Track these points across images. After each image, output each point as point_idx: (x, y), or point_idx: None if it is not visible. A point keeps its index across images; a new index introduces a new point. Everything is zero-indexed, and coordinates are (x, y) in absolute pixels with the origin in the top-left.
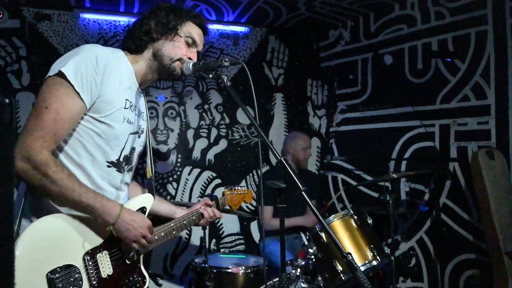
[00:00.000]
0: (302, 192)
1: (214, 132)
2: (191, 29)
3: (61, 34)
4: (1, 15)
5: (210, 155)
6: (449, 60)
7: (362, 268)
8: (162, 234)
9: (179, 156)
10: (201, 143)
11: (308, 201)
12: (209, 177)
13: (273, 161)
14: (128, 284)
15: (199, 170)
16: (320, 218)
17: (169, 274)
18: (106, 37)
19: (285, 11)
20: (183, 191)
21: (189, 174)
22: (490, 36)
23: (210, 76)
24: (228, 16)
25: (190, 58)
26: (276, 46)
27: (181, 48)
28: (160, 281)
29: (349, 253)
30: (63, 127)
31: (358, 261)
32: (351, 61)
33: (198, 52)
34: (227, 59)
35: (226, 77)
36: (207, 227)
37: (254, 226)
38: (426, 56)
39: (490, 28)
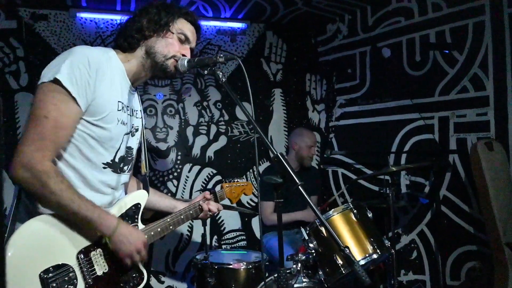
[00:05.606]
0: (299, 187)
1: (213, 129)
2: (183, 26)
3: (58, 34)
4: None
5: (210, 152)
6: (447, 51)
7: (363, 262)
8: (159, 229)
9: (179, 153)
10: (201, 140)
11: (305, 195)
12: (209, 174)
13: None
14: (125, 281)
15: (199, 167)
16: (318, 213)
17: (171, 271)
18: (103, 36)
19: (282, 6)
20: (184, 189)
21: (189, 171)
22: (488, 26)
23: (205, 72)
24: (225, 13)
25: (183, 55)
26: (274, 41)
27: (174, 45)
28: (163, 278)
29: (347, 247)
30: (63, 135)
31: (358, 254)
32: (349, 55)
33: (191, 49)
34: (221, 55)
35: (221, 74)
36: (208, 223)
37: (255, 222)
38: (424, 48)
39: (488, 18)
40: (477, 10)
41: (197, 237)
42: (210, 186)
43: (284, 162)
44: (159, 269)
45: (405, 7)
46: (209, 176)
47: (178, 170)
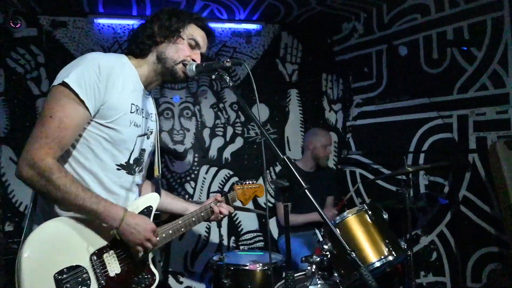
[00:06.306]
0: (306, 190)
1: (229, 131)
2: (193, 31)
3: (77, 40)
4: (19, 24)
5: (227, 154)
6: (465, 48)
7: (378, 264)
8: (170, 231)
9: (196, 155)
10: (217, 142)
11: (311, 198)
12: (226, 175)
13: (290, 157)
14: (137, 282)
15: (216, 168)
16: (324, 216)
17: (190, 271)
18: (120, 41)
19: (296, 6)
20: (201, 190)
21: (206, 173)
22: (507, 21)
23: (213, 77)
24: (240, 15)
25: (193, 60)
26: (289, 42)
27: (184, 50)
28: (181, 279)
29: (353, 251)
30: (67, 135)
31: (373, 256)
32: (366, 54)
33: (202, 54)
34: (228, 60)
35: (228, 78)
36: (225, 224)
37: (272, 223)
38: (442, 45)
39: (507, 13)
40: (495, 5)
41: (214, 238)
42: (227, 187)
43: (290, 165)
44: (177, 269)
45: (421, 4)
46: (226, 178)
47: (196, 172)
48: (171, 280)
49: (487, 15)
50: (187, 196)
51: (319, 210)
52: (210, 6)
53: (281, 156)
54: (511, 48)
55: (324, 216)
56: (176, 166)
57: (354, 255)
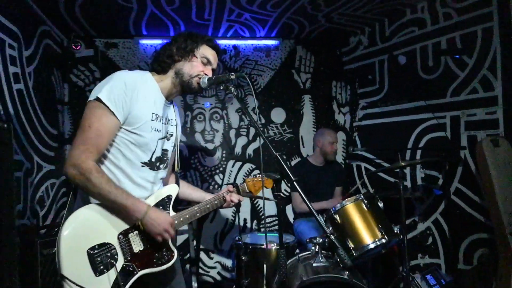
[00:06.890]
0: (294, 182)
1: (252, 131)
2: (205, 51)
3: (126, 58)
4: (79, 46)
5: (250, 150)
6: (458, 56)
7: (372, 245)
8: (187, 216)
9: (224, 152)
10: (242, 141)
11: (299, 189)
12: (249, 168)
13: (304, 153)
14: (158, 258)
15: (240, 163)
16: (313, 209)
17: (219, 249)
18: None
19: (307, 24)
20: (228, 181)
21: (232, 166)
22: (496, 31)
23: (221, 87)
24: (260, 32)
25: (206, 74)
26: (303, 54)
27: (198, 66)
28: (212, 255)
29: (332, 234)
30: (103, 141)
31: (368, 239)
32: (370, 63)
33: (213, 70)
34: (233, 73)
35: (233, 88)
36: (248, 210)
37: (289, 209)
38: (436, 54)
39: (496, 24)
40: (485, 16)
41: (240, 221)
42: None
43: (281, 161)
44: (208, 247)
45: (418, 18)
46: (249, 171)
47: (223, 166)
48: (203, 256)
49: (478, 26)
50: (216, 186)
51: (307, 202)
52: (234, 26)
53: (274, 153)
54: (499, 55)
55: (311, 207)
56: (207, 161)
57: (332, 238)
